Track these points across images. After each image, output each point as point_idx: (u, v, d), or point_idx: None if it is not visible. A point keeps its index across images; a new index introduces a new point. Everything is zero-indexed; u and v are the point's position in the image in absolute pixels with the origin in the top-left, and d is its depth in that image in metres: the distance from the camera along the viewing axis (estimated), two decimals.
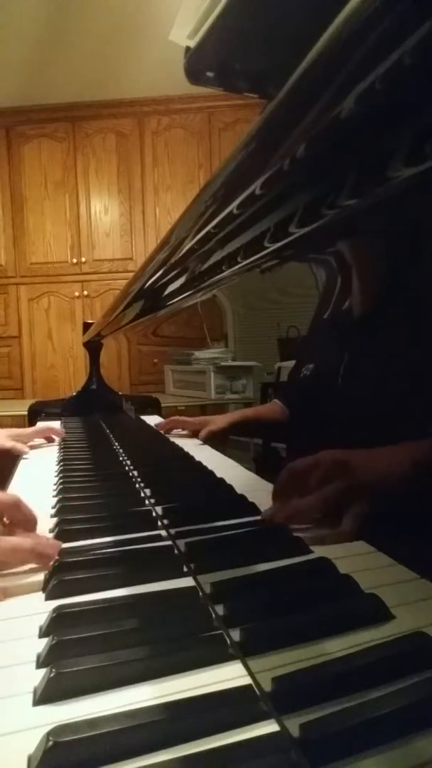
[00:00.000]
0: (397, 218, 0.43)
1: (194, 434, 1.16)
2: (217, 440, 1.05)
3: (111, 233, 3.52)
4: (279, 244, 0.37)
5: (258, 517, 0.56)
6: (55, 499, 0.69)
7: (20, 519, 0.52)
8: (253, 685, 0.29)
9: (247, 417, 1.08)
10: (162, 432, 1.24)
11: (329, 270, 0.69)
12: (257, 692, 0.28)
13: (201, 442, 1.08)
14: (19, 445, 1.05)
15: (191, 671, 0.30)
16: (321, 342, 0.80)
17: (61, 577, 0.42)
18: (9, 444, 1.04)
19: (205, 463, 0.85)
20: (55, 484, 0.78)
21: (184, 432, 1.21)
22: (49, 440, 1.20)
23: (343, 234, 0.51)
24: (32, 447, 1.12)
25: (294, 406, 0.94)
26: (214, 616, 0.36)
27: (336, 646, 0.32)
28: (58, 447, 1.12)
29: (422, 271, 0.55)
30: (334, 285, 0.69)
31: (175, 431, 1.24)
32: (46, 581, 0.43)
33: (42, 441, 1.19)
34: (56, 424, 1.36)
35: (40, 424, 1.23)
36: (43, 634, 0.35)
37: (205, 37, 0.39)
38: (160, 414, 1.60)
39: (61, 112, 3.41)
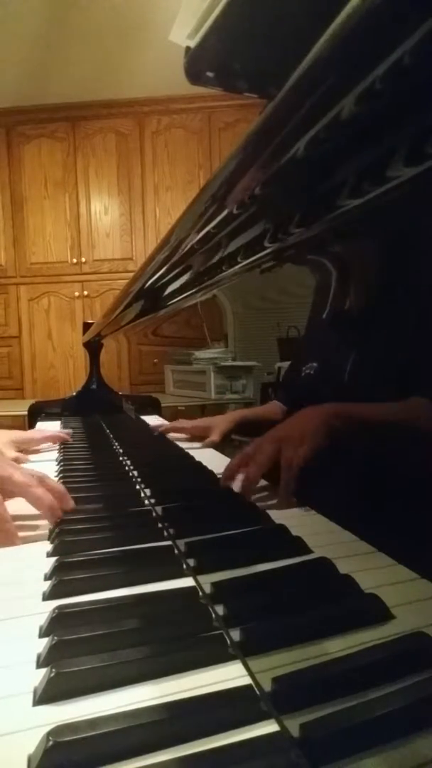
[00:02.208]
0: (398, 218, 0.43)
1: (194, 439, 1.15)
2: (219, 446, 1.06)
3: (111, 233, 3.52)
4: (279, 245, 0.37)
5: (259, 517, 0.56)
6: None
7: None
8: (253, 685, 0.29)
9: (248, 419, 1.08)
10: (161, 435, 1.24)
11: (328, 270, 0.69)
12: (257, 692, 0.28)
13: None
14: (23, 457, 0.99)
15: (191, 671, 0.30)
16: (320, 341, 0.80)
17: (61, 577, 0.42)
18: (13, 455, 0.96)
19: (205, 463, 0.85)
20: None
21: (183, 436, 1.20)
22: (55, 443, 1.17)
23: (342, 234, 0.51)
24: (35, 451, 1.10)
25: (292, 406, 0.94)
26: (214, 616, 0.36)
27: (336, 646, 0.32)
28: (58, 447, 1.12)
29: (422, 270, 0.55)
30: (333, 284, 0.69)
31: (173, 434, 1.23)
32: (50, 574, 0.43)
33: (48, 444, 1.17)
34: (57, 427, 1.34)
35: (47, 431, 1.17)
36: (43, 634, 0.35)
37: (205, 37, 0.39)
38: (160, 414, 1.60)
39: (61, 112, 3.42)
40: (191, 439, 1.16)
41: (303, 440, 0.62)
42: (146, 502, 0.66)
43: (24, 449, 1.03)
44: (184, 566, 0.45)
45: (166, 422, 1.32)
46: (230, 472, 0.68)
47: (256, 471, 0.65)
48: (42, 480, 0.60)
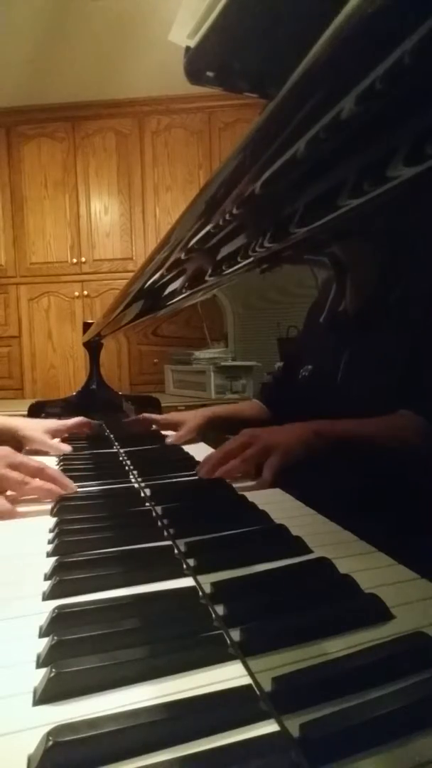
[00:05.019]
0: (399, 218, 0.43)
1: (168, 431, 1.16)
2: (190, 442, 1.07)
3: (111, 233, 3.52)
4: (279, 245, 0.37)
5: (259, 517, 0.56)
6: None
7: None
8: (253, 685, 0.29)
9: (220, 416, 1.08)
10: (132, 428, 1.26)
11: (327, 270, 0.69)
12: (257, 692, 0.28)
13: (200, 442, 1.08)
14: (63, 446, 1.01)
15: (191, 671, 0.30)
16: (312, 343, 0.80)
17: (61, 577, 0.42)
18: (50, 442, 1.02)
19: None
20: None
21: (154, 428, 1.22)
22: (82, 434, 1.21)
23: (342, 234, 0.51)
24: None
25: (277, 406, 0.94)
26: (214, 616, 0.36)
27: (336, 646, 0.32)
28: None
29: (420, 272, 0.55)
30: (330, 286, 0.69)
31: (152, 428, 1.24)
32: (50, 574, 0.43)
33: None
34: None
35: (77, 418, 1.19)
36: (43, 634, 0.35)
37: (205, 37, 0.39)
38: (159, 414, 1.60)
39: (61, 112, 3.41)
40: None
41: (279, 448, 0.68)
42: (146, 502, 0.66)
43: (58, 436, 1.11)
44: (184, 566, 0.45)
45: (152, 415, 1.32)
46: (211, 468, 0.75)
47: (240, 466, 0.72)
48: (41, 471, 0.69)
